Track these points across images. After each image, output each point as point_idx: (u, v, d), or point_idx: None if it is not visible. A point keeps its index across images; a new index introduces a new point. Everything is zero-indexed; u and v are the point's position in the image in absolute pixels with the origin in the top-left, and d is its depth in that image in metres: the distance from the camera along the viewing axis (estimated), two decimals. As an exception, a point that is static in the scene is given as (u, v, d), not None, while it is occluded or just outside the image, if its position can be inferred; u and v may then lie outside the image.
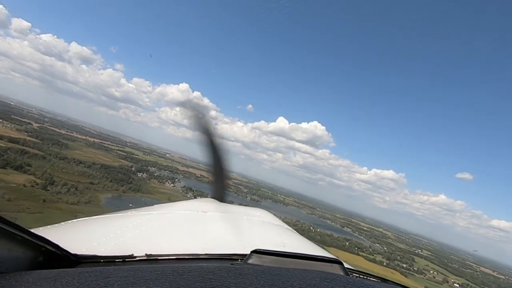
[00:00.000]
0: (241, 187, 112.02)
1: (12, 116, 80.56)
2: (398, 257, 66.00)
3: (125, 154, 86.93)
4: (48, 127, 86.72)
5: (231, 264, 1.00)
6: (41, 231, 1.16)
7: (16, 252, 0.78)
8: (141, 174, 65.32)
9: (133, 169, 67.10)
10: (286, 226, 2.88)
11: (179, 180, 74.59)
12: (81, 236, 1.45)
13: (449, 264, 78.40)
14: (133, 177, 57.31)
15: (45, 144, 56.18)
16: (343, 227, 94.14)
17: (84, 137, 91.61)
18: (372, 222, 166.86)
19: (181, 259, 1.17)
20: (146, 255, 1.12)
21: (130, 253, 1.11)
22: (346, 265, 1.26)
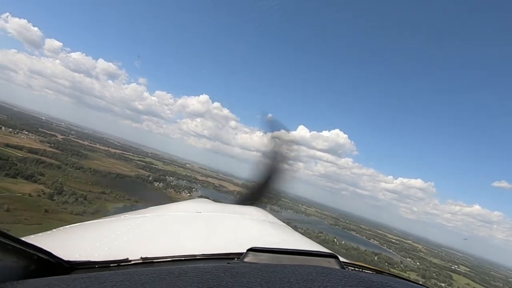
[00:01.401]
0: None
1: (40, 129, 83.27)
2: (434, 274, 59.80)
3: (145, 164, 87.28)
4: (72, 138, 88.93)
5: (228, 263, 1.00)
6: (32, 239, 1.17)
7: (7, 262, 0.77)
8: (157, 183, 64.54)
9: (150, 178, 66.54)
10: (281, 223, 2.87)
11: (196, 189, 73.24)
12: (74, 242, 1.43)
13: (492, 282, 70.54)
14: (148, 187, 56.38)
15: (64, 155, 56.77)
16: (370, 239, 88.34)
17: (106, 148, 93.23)
18: (400, 233, 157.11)
19: (177, 261, 1.16)
20: (141, 258, 1.12)
21: (125, 257, 1.10)
22: (341, 259, 1.28)
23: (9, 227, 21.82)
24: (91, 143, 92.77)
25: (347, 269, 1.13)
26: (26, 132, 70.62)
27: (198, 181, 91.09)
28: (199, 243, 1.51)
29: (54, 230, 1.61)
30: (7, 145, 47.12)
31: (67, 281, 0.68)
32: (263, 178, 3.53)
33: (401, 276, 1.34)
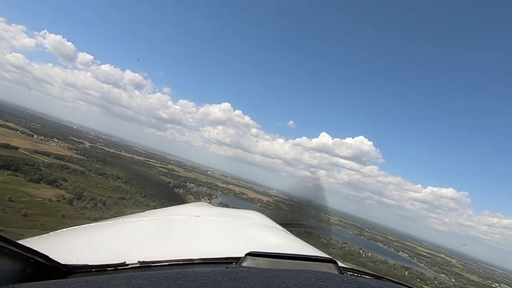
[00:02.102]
0: (282, 205, 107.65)
1: (69, 137, 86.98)
2: (473, 292, 54.60)
3: (167, 170, 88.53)
4: (99, 146, 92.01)
5: (226, 267, 1.01)
6: (29, 242, 1.17)
7: (3, 265, 0.76)
8: (178, 190, 64.68)
9: (170, 185, 66.90)
10: (280, 227, 2.84)
11: (216, 196, 72.89)
12: (71, 245, 1.44)
13: (540, 304, 63.39)
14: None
15: (88, 161, 58.32)
16: (398, 252, 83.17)
17: (130, 155, 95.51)
18: (431, 246, 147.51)
19: (175, 265, 1.17)
20: (139, 262, 1.11)
21: (122, 261, 1.10)
22: (340, 264, 1.29)
23: (24, 232, 21.90)
24: (116, 151, 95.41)
25: (345, 274, 1.13)
26: (56, 140, 73.90)
27: (219, 188, 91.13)
28: (197, 247, 1.51)
29: (51, 233, 1.59)
30: (36, 152, 49.11)
31: (64, 285, 0.68)
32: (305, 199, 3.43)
33: (401, 282, 1.31)
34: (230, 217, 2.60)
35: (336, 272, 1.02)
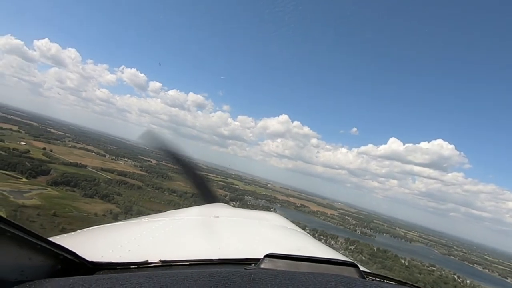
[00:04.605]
0: (349, 218, 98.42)
1: (139, 156, 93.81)
2: None
3: (225, 184, 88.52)
4: (164, 163, 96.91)
5: (245, 268, 1.01)
6: (58, 240, 1.22)
7: (35, 260, 0.81)
8: (233, 203, 62.83)
9: (226, 198, 65.51)
10: (299, 229, 2.84)
11: (274, 209, 68.94)
12: (97, 243, 1.52)
13: None
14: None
15: (149, 177, 60.55)
16: (506, 278, 66.23)
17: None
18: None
19: (194, 265, 1.20)
20: (160, 261, 1.16)
21: (144, 259, 1.15)
22: (362, 268, 1.28)
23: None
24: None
25: (367, 278, 1.12)
26: (126, 159, 80.00)
27: (278, 201, 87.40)
28: (216, 247, 1.54)
29: (78, 231, 1.65)
30: (101, 169, 52.61)
31: (90, 281, 0.72)
32: (184, 169, 3.41)
33: None
34: (250, 219, 2.61)
35: (357, 276, 1.00)
